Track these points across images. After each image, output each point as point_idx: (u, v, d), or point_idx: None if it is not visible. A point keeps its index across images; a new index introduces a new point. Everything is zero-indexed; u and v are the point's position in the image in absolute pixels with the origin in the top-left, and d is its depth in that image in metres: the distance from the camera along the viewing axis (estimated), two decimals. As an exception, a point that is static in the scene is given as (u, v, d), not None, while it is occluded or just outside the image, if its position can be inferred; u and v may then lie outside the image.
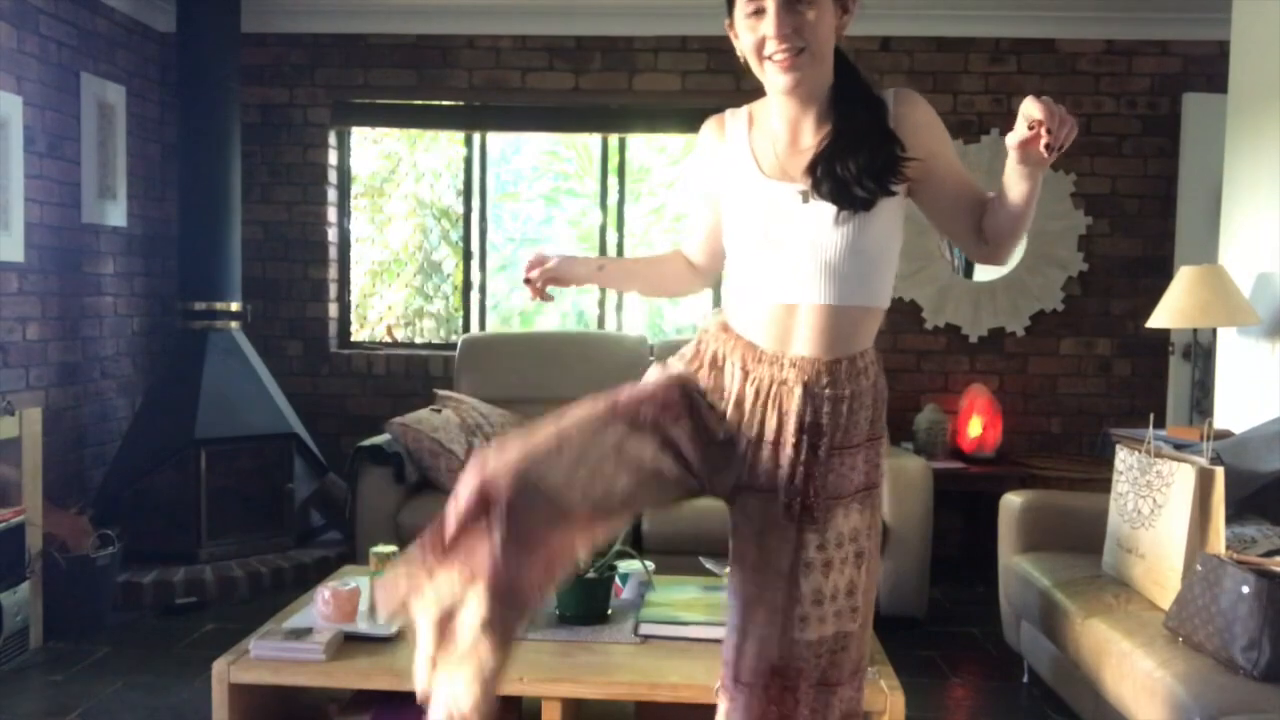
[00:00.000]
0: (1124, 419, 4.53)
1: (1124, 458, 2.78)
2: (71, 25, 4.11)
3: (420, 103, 4.81)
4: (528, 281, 1.82)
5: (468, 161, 4.93)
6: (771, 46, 1.53)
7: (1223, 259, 3.66)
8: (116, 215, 4.43)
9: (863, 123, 1.58)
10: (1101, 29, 4.58)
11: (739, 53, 1.61)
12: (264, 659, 2.29)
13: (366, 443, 3.85)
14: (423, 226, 5.27)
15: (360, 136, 5.04)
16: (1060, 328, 4.68)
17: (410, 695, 2.30)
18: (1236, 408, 3.54)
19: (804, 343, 1.58)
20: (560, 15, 4.64)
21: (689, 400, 1.60)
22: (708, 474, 1.60)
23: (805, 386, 1.57)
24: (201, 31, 4.21)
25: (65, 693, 3.02)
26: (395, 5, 4.65)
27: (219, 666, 2.26)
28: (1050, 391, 4.70)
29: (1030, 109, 1.48)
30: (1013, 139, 1.52)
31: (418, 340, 5.17)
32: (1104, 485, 2.90)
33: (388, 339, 5.17)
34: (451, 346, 4.79)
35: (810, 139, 1.60)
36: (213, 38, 4.23)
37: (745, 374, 1.60)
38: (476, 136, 4.92)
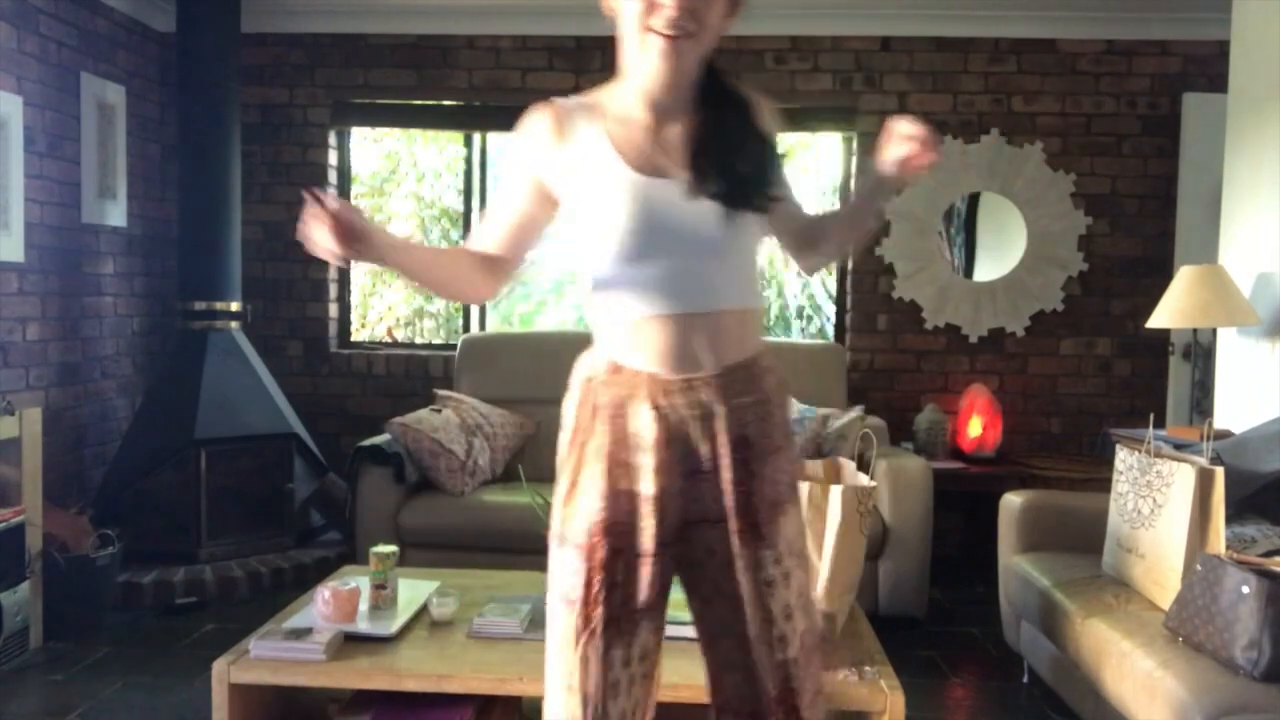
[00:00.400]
0: (1124, 419, 4.53)
1: (1124, 458, 2.78)
2: (71, 25, 4.10)
3: (420, 103, 4.81)
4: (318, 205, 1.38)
5: (467, 161, 4.93)
6: (663, 19, 1.43)
7: (1223, 259, 3.66)
8: (116, 215, 4.43)
9: (738, 118, 1.53)
10: (1101, 29, 4.58)
11: (606, 12, 1.51)
12: (264, 659, 2.29)
13: (366, 443, 3.85)
14: (423, 226, 5.26)
15: (361, 136, 5.04)
16: (1060, 328, 4.68)
17: (410, 695, 2.31)
18: (1236, 408, 3.54)
19: (708, 355, 1.48)
20: (560, 15, 4.63)
21: (618, 540, 1.48)
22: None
23: (727, 404, 1.49)
24: (201, 31, 4.21)
25: (65, 693, 3.02)
26: (395, 5, 4.65)
27: (219, 666, 2.26)
28: (1050, 391, 4.70)
29: (909, 128, 1.46)
30: (895, 155, 1.48)
31: (418, 340, 5.17)
32: (1104, 485, 2.90)
33: (388, 339, 5.17)
34: (451, 347, 4.79)
35: (676, 131, 1.51)
36: (213, 38, 4.23)
37: (658, 412, 1.48)
38: (476, 136, 4.92)
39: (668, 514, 1.49)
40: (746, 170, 1.49)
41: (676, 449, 1.49)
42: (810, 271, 1.75)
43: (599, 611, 1.47)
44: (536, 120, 1.57)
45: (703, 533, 1.53)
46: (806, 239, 1.69)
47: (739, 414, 1.50)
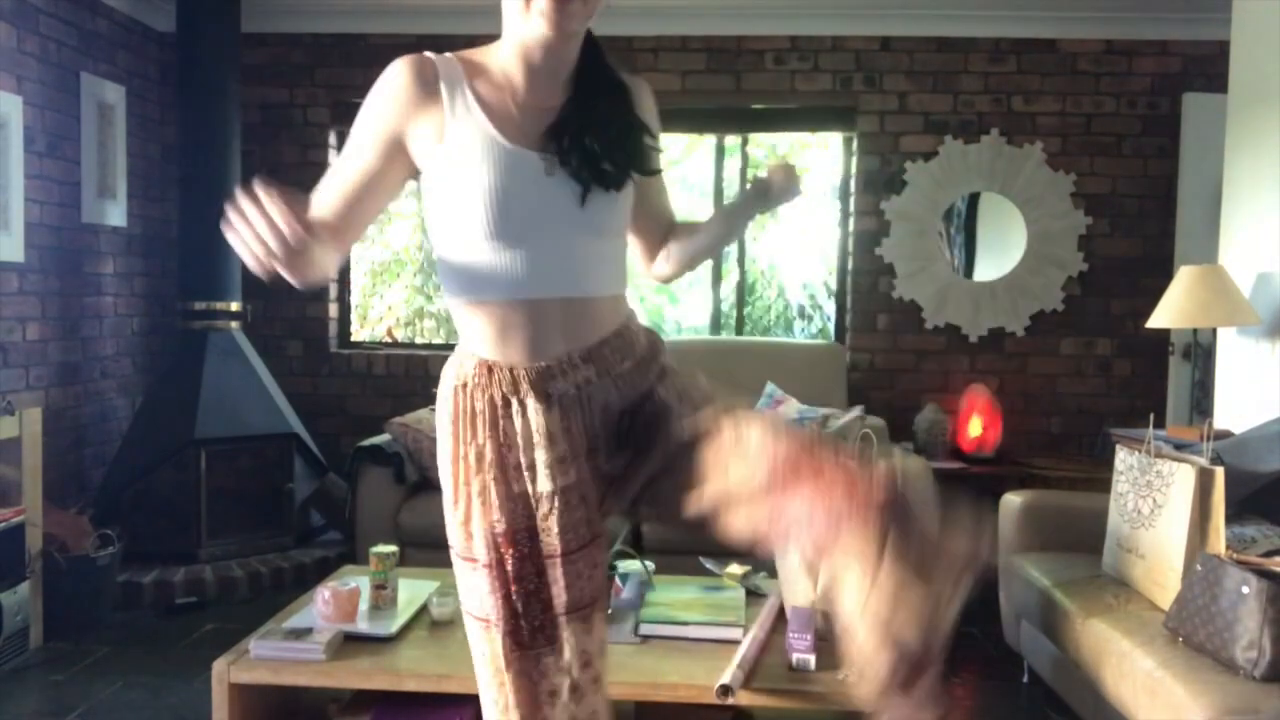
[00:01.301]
0: (1124, 419, 4.53)
1: (1124, 458, 2.78)
2: (71, 25, 4.10)
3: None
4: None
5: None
6: None
7: (1223, 259, 3.66)
8: (116, 215, 4.43)
9: (610, 99, 1.49)
10: (1101, 29, 4.58)
11: None
12: (264, 659, 2.29)
13: (366, 443, 3.85)
14: (423, 226, 5.26)
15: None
16: (1060, 328, 4.68)
17: (410, 695, 2.31)
18: (1236, 408, 3.54)
19: (574, 340, 1.45)
20: (560, 15, 4.63)
21: (523, 547, 1.44)
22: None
23: (610, 375, 1.48)
24: (201, 31, 4.21)
25: (65, 693, 3.02)
26: (395, 5, 4.65)
27: (219, 666, 2.26)
28: (1050, 391, 4.70)
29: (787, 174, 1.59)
30: (772, 183, 1.60)
31: (418, 340, 5.17)
32: (1104, 485, 2.90)
33: (388, 339, 5.17)
34: (451, 347, 4.77)
35: (552, 104, 1.46)
36: (213, 38, 4.23)
37: (545, 403, 1.43)
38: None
39: (589, 498, 1.47)
40: (603, 148, 1.43)
41: (575, 434, 1.45)
42: (658, 278, 1.73)
43: (521, 625, 1.43)
44: (401, 73, 1.42)
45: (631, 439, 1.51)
46: (664, 242, 1.69)
47: (625, 380, 1.49)
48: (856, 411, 4.00)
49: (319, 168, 4.81)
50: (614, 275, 1.52)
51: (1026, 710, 3.02)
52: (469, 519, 1.47)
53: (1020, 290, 4.65)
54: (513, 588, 1.43)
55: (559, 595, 1.44)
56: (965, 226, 4.80)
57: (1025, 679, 3.19)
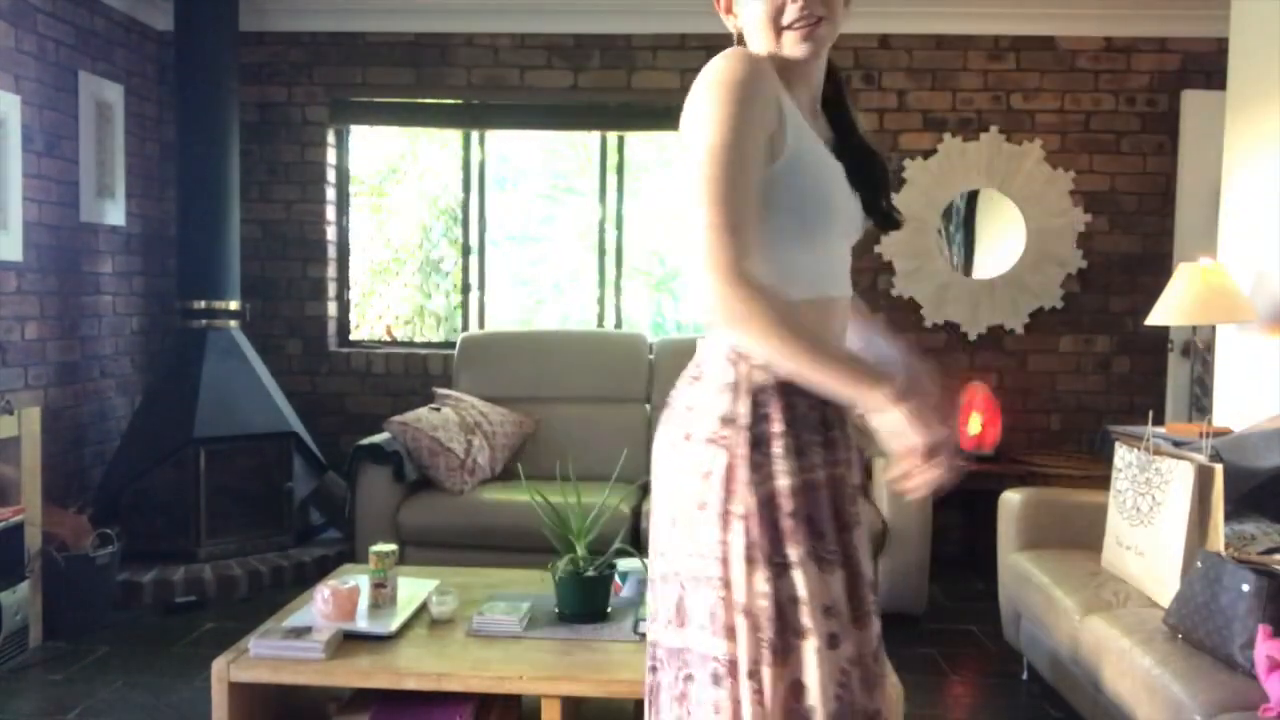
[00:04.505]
0: (1123, 416, 4.53)
1: (1123, 455, 2.78)
2: (70, 24, 4.10)
3: (419, 101, 4.81)
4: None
5: (466, 159, 4.93)
6: (792, 13, 1.37)
7: (1221, 256, 3.66)
8: (115, 214, 4.42)
9: (860, 134, 1.55)
10: (1100, 26, 4.58)
11: (731, 28, 1.47)
12: (263, 658, 2.29)
13: (366, 441, 3.85)
14: (423, 224, 5.26)
15: (362, 134, 5.04)
16: (1059, 325, 4.68)
17: (410, 694, 2.31)
18: (1235, 405, 3.54)
19: (839, 339, 1.51)
20: (559, 13, 4.63)
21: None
22: None
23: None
24: (200, 30, 4.20)
25: (65, 692, 3.02)
26: (393, 3, 4.65)
27: (218, 665, 2.26)
28: (1049, 389, 4.70)
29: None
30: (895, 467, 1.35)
31: (417, 339, 5.17)
32: (1103, 482, 2.91)
33: (387, 338, 5.17)
34: (451, 345, 4.79)
35: (816, 124, 1.49)
36: (211, 36, 4.23)
37: (825, 428, 1.43)
38: (475, 134, 4.92)
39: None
40: (884, 183, 1.54)
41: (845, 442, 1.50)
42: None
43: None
44: (764, 74, 1.36)
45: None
46: None
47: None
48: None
49: (317, 166, 4.81)
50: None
51: (1026, 707, 3.03)
52: (829, 569, 1.43)
53: (1019, 288, 4.65)
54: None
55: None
56: (964, 224, 4.80)
57: (1024, 676, 3.20)
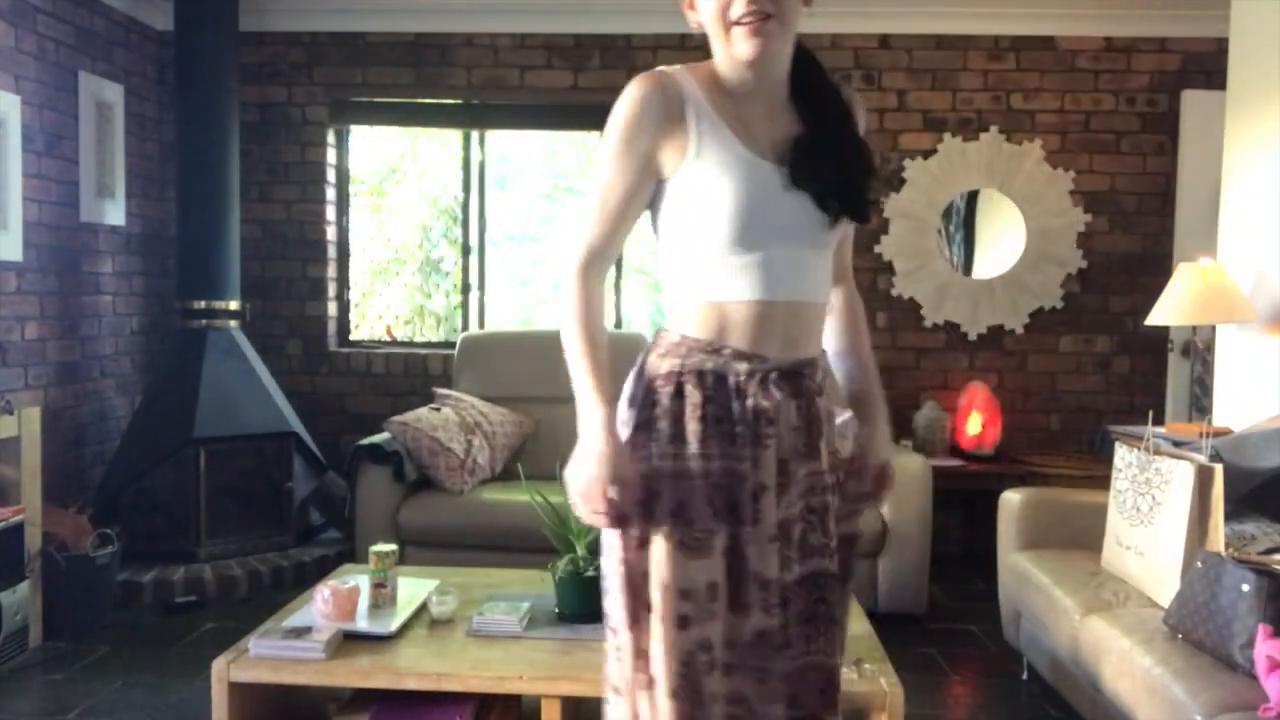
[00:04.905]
0: (1123, 416, 4.53)
1: (1123, 455, 2.78)
2: (70, 24, 4.10)
3: (419, 101, 4.81)
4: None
5: (466, 159, 4.93)
6: (739, 9, 1.42)
7: (1221, 256, 3.66)
8: (115, 214, 4.42)
9: (837, 120, 1.53)
10: (1100, 26, 4.58)
11: (693, 24, 1.52)
12: (263, 658, 2.29)
13: (366, 441, 3.85)
14: (424, 225, 5.26)
15: (362, 134, 5.04)
16: (1059, 325, 4.68)
17: (409, 694, 2.31)
18: (1235, 405, 3.54)
19: (793, 342, 1.51)
20: (559, 13, 4.63)
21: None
22: None
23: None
24: (200, 30, 4.20)
25: (65, 692, 3.02)
26: (393, 3, 4.65)
27: (218, 665, 2.26)
28: (1049, 389, 4.70)
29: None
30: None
31: (417, 339, 5.17)
32: (1103, 482, 2.90)
33: (387, 338, 5.17)
34: (450, 345, 4.79)
35: (776, 122, 1.51)
36: (211, 36, 4.23)
37: (739, 390, 1.47)
38: (475, 134, 4.92)
39: None
40: (852, 180, 1.50)
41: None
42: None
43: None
44: (648, 95, 1.49)
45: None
46: (838, 273, 1.66)
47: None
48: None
49: (317, 166, 4.81)
50: (825, 287, 1.58)
51: (1026, 707, 3.03)
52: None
53: (1019, 288, 4.65)
54: None
55: None
56: (964, 224, 4.80)
57: (1024, 676, 3.19)
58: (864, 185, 1.52)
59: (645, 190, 1.51)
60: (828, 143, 1.50)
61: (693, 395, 1.45)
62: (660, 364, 1.49)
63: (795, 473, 1.47)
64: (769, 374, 1.47)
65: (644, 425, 1.47)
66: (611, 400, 1.48)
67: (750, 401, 1.45)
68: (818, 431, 1.51)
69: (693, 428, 1.45)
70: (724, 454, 1.45)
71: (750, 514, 1.44)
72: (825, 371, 1.59)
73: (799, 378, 1.50)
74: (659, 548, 1.44)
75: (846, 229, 1.61)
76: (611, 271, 5.02)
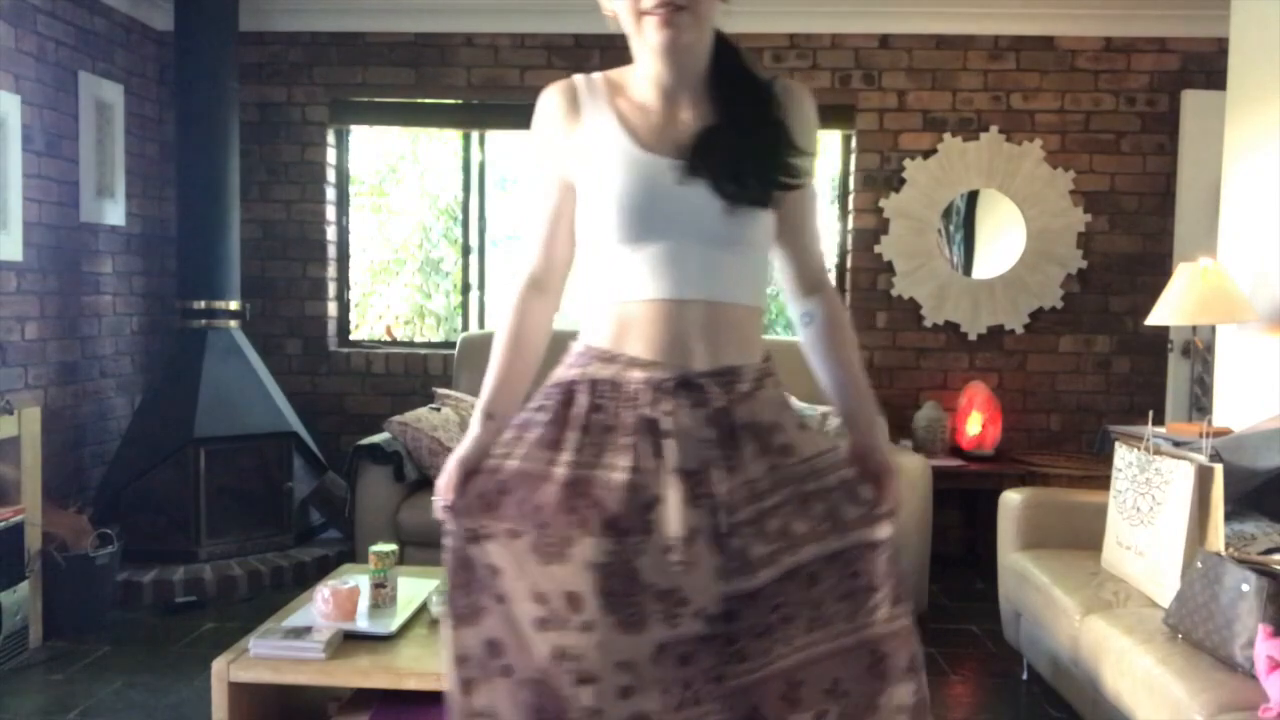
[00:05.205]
0: (1123, 416, 4.53)
1: (1123, 455, 2.78)
2: (69, 24, 4.10)
3: (419, 101, 4.81)
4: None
5: (466, 159, 4.93)
6: (650, 0, 1.40)
7: (1222, 256, 3.66)
8: (115, 214, 4.42)
9: (752, 107, 1.47)
10: (1100, 26, 4.58)
11: (607, 12, 1.48)
12: (263, 658, 2.29)
13: (366, 441, 3.85)
14: (424, 225, 5.27)
15: (362, 134, 5.04)
16: (1059, 325, 4.68)
17: (409, 694, 2.31)
18: (1235, 405, 3.54)
19: (705, 347, 1.42)
20: (559, 13, 4.63)
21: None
22: None
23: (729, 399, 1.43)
24: (199, 30, 4.20)
25: (65, 692, 3.02)
26: (393, 3, 4.65)
27: (218, 665, 2.26)
28: (1049, 389, 4.70)
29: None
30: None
31: (417, 339, 5.17)
32: (1103, 482, 2.91)
33: (387, 338, 5.17)
34: (451, 345, 4.79)
35: (687, 115, 1.47)
36: (211, 36, 4.23)
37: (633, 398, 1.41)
38: (475, 134, 4.92)
39: None
40: (747, 162, 1.43)
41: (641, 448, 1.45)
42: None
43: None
44: (547, 104, 1.52)
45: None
46: (804, 270, 1.58)
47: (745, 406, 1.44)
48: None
49: (317, 166, 4.81)
50: (749, 288, 1.47)
51: (1026, 707, 3.03)
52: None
53: (1019, 288, 4.66)
54: None
55: None
56: (964, 224, 4.80)
57: (1024, 676, 3.20)
58: (769, 170, 1.45)
59: (567, 202, 1.52)
60: (732, 132, 1.44)
61: (580, 404, 1.43)
62: (563, 374, 1.49)
63: (717, 485, 1.38)
64: (664, 383, 1.40)
65: (521, 426, 1.47)
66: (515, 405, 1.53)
67: (645, 412, 1.40)
68: (745, 441, 1.42)
69: (572, 436, 1.42)
70: (606, 464, 1.40)
71: (639, 525, 1.37)
72: (761, 378, 1.47)
73: (700, 388, 1.41)
74: (504, 544, 1.41)
75: (800, 227, 1.54)
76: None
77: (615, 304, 1.45)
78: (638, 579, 1.37)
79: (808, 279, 1.58)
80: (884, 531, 1.46)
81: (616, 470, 1.39)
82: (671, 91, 1.47)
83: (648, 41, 1.43)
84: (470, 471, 1.47)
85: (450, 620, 1.45)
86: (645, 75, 1.48)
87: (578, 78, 1.53)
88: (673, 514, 1.37)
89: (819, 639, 1.42)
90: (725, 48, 1.51)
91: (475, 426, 1.53)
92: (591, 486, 1.39)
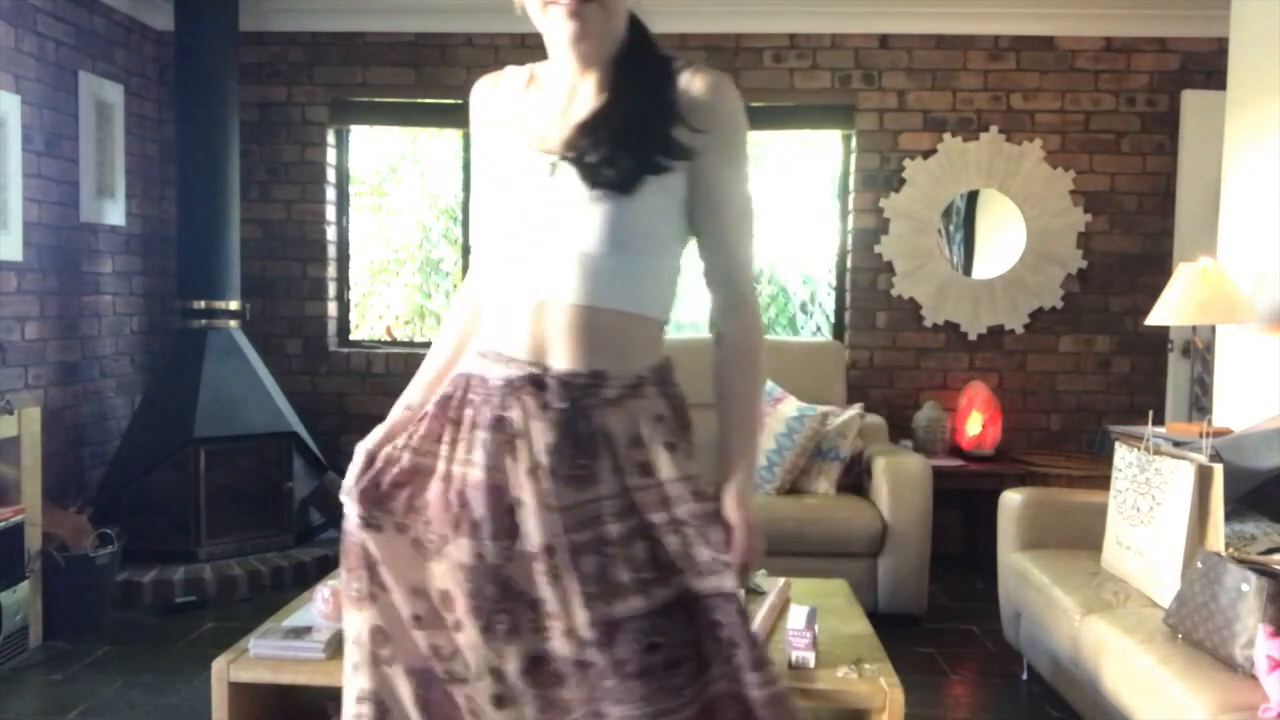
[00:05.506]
0: (1123, 416, 4.53)
1: (1123, 455, 2.78)
2: (70, 24, 4.10)
3: (419, 101, 4.81)
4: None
5: (466, 159, 4.93)
6: None
7: (1221, 256, 3.66)
8: (115, 214, 4.42)
9: (639, 90, 1.39)
10: (1100, 26, 4.58)
11: (517, 4, 1.42)
12: (263, 657, 2.29)
13: (366, 441, 3.84)
14: (424, 225, 5.26)
15: (362, 134, 5.04)
16: (1059, 325, 4.68)
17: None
18: (1235, 405, 3.54)
19: (568, 349, 1.36)
20: (559, 13, 4.63)
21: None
22: None
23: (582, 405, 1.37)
24: (200, 30, 4.20)
25: (65, 692, 3.02)
26: (393, 3, 4.65)
27: (218, 665, 2.26)
28: (1049, 389, 4.70)
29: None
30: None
31: (417, 339, 5.17)
32: (1103, 482, 2.91)
33: (387, 337, 5.17)
34: (450, 345, 4.78)
35: (586, 106, 1.41)
36: (211, 36, 4.23)
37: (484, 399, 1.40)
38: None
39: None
40: (610, 145, 1.34)
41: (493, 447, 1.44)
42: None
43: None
44: (475, 94, 1.53)
45: None
46: (723, 287, 1.47)
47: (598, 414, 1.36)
48: (855, 409, 4.00)
49: (317, 166, 4.81)
50: (632, 295, 1.38)
51: (1026, 707, 3.03)
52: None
53: (1019, 288, 4.65)
54: None
55: None
56: (964, 224, 4.80)
57: (1024, 676, 3.20)
58: (645, 145, 1.35)
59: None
60: (616, 114, 1.37)
61: (456, 399, 1.44)
62: (458, 368, 1.52)
63: (563, 496, 1.32)
64: (516, 380, 1.37)
65: (420, 417, 1.51)
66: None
67: (498, 410, 1.38)
68: (597, 454, 1.34)
69: (449, 431, 1.43)
70: (471, 461, 1.38)
71: (505, 528, 1.34)
72: (637, 387, 1.38)
73: (544, 389, 1.35)
74: (387, 535, 1.43)
75: (718, 242, 1.44)
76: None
77: (494, 302, 1.45)
78: (513, 585, 1.35)
79: (723, 297, 1.47)
80: (729, 583, 1.32)
81: (474, 467, 1.38)
82: (575, 84, 1.43)
83: (554, 33, 1.38)
84: (373, 459, 1.50)
85: (346, 602, 1.50)
86: (555, 65, 1.44)
87: (507, 70, 1.51)
88: (530, 519, 1.33)
89: (687, 691, 1.31)
90: (639, 31, 1.44)
91: (391, 415, 1.60)
92: (465, 485, 1.39)
